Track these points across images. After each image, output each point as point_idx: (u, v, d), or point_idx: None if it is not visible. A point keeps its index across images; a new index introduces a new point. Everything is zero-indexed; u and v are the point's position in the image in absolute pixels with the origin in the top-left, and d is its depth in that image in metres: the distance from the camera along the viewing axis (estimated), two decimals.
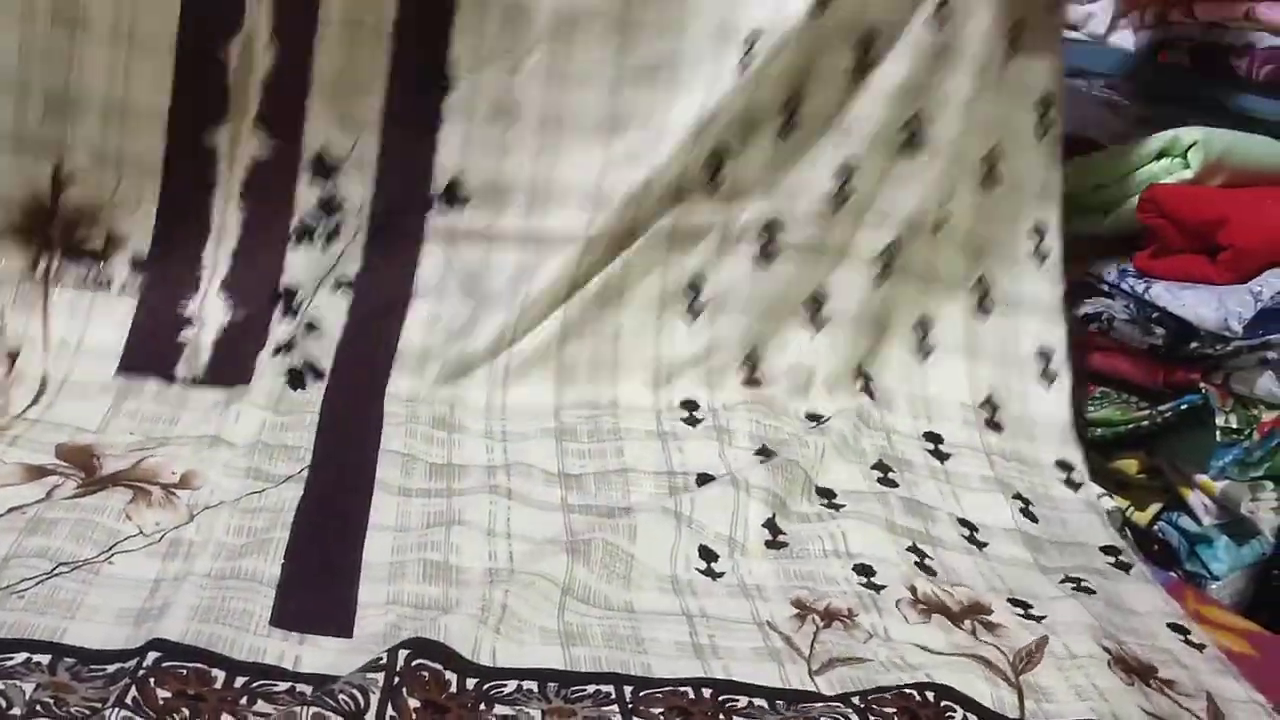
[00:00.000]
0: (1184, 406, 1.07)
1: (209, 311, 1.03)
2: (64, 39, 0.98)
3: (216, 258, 1.04)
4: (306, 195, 1.04)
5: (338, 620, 0.77)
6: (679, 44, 1.04)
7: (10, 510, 0.83)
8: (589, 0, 1.02)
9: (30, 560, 0.79)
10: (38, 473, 0.87)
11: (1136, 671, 0.82)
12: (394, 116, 1.04)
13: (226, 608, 0.76)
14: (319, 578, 0.81)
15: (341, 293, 1.05)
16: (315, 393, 1.01)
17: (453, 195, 1.06)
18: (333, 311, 1.04)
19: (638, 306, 1.08)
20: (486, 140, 1.04)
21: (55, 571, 0.78)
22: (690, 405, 1.07)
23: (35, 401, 0.95)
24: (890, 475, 1.02)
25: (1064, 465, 1.08)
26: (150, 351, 1.01)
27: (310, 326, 1.04)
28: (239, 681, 0.70)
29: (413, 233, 1.05)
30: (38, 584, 0.77)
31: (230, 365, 1.01)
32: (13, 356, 0.98)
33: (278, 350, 1.02)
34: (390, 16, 1.02)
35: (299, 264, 1.04)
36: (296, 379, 1.01)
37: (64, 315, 1.01)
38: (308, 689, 0.70)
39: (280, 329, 1.03)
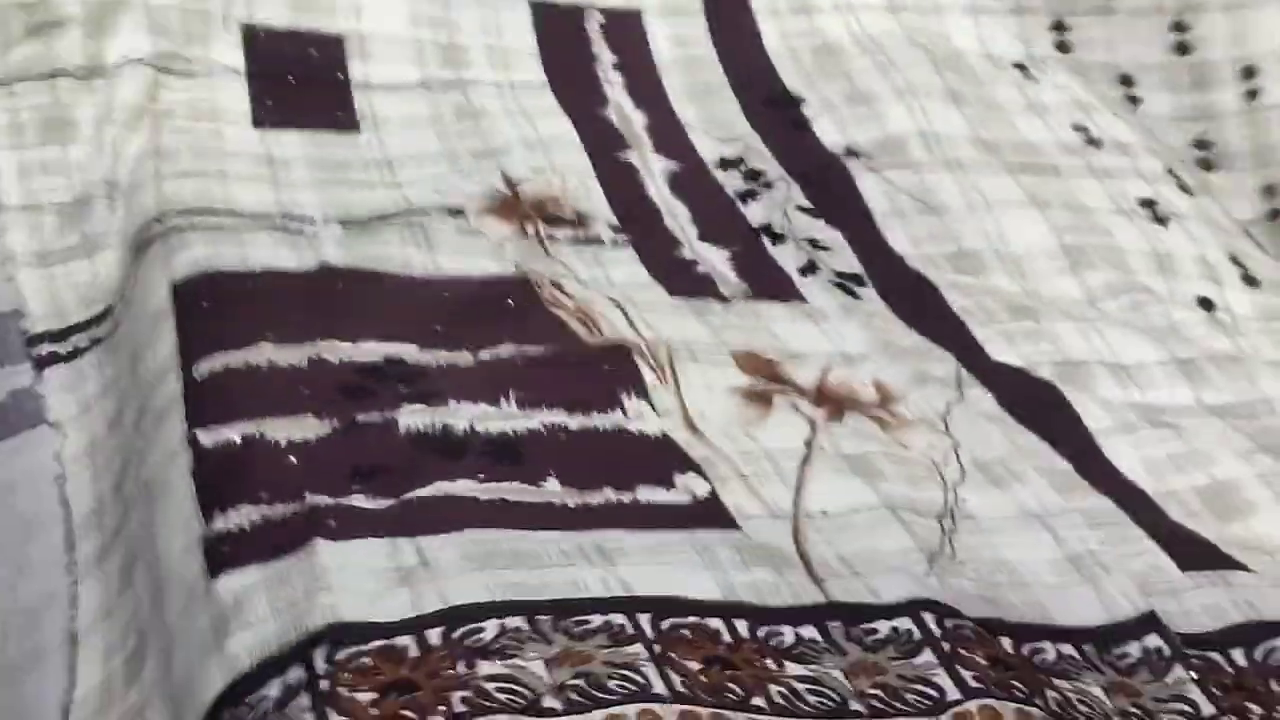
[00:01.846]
0: None
1: (700, 252, 1.14)
2: None
3: (680, 224, 1.17)
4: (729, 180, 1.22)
5: None
6: None
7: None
8: None
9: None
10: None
11: None
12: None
13: None
14: None
15: None
16: (868, 295, 1.13)
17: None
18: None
19: None
20: None
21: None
22: None
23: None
24: None
25: None
26: (686, 284, 1.10)
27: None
28: None
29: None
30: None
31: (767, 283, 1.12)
32: (558, 286, 1.05)
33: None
34: None
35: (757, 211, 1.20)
36: (844, 288, 1.13)
37: (576, 263, 1.09)
38: None
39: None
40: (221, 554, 0.74)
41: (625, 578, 0.74)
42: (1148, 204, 1.27)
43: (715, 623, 0.73)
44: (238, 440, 0.82)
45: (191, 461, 0.81)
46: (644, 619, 0.71)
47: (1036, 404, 1.01)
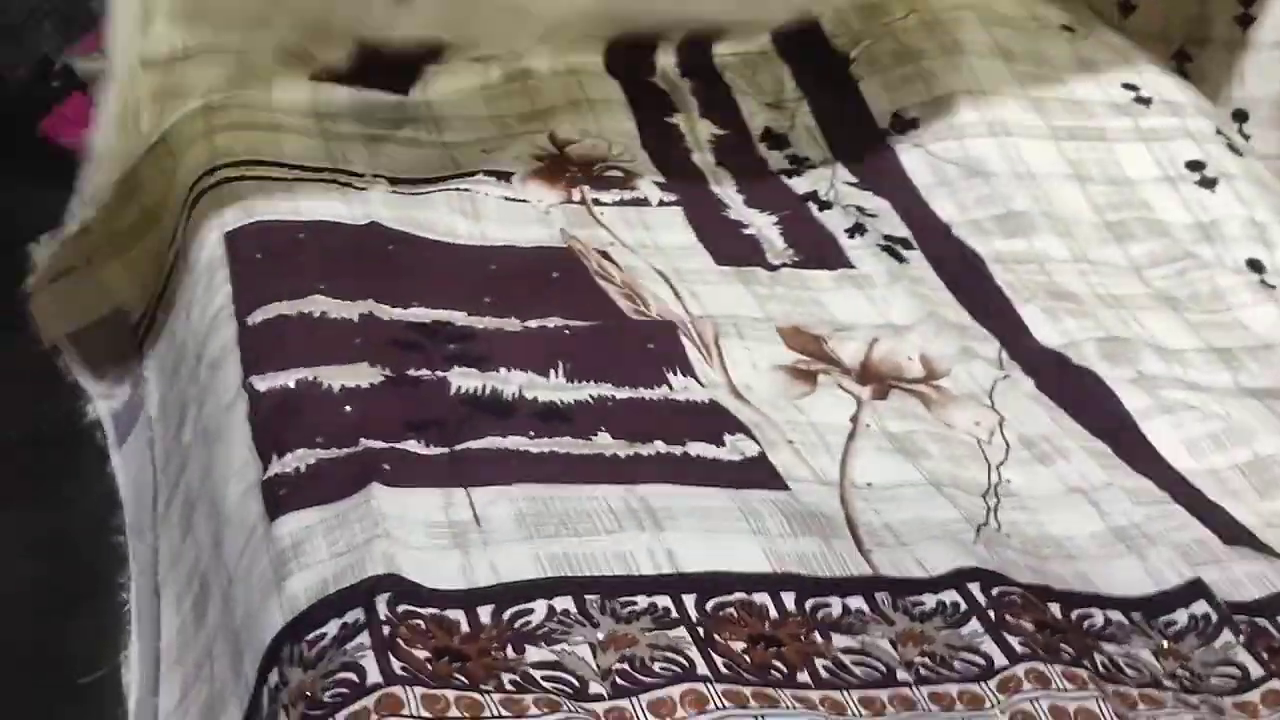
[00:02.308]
0: None
1: (747, 216, 1.15)
2: None
3: (724, 189, 1.19)
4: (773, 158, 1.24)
5: None
6: None
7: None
8: None
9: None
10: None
11: None
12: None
13: None
14: None
15: None
16: (916, 259, 1.13)
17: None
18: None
19: None
20: None
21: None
22: None
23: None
24: None
25: None
26: (730, 247, 1.10)
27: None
28: None
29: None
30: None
31: (814, 249, 1.12)
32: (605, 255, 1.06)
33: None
34: None
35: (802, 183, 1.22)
36: (891, 252, 1.13)
37: (623, 228, 1.10)
38: None
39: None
40: (279, 497, 0.75)
41: (673, 547, 0.74)
42: (1196, 166, 1.26)
43: (762, 597, 0.73)
44: (293, 385, 0.83)
45: (248, 407, 0.82)
46: (689, 600, 0.72)
47: (1077, 387, 1.01)
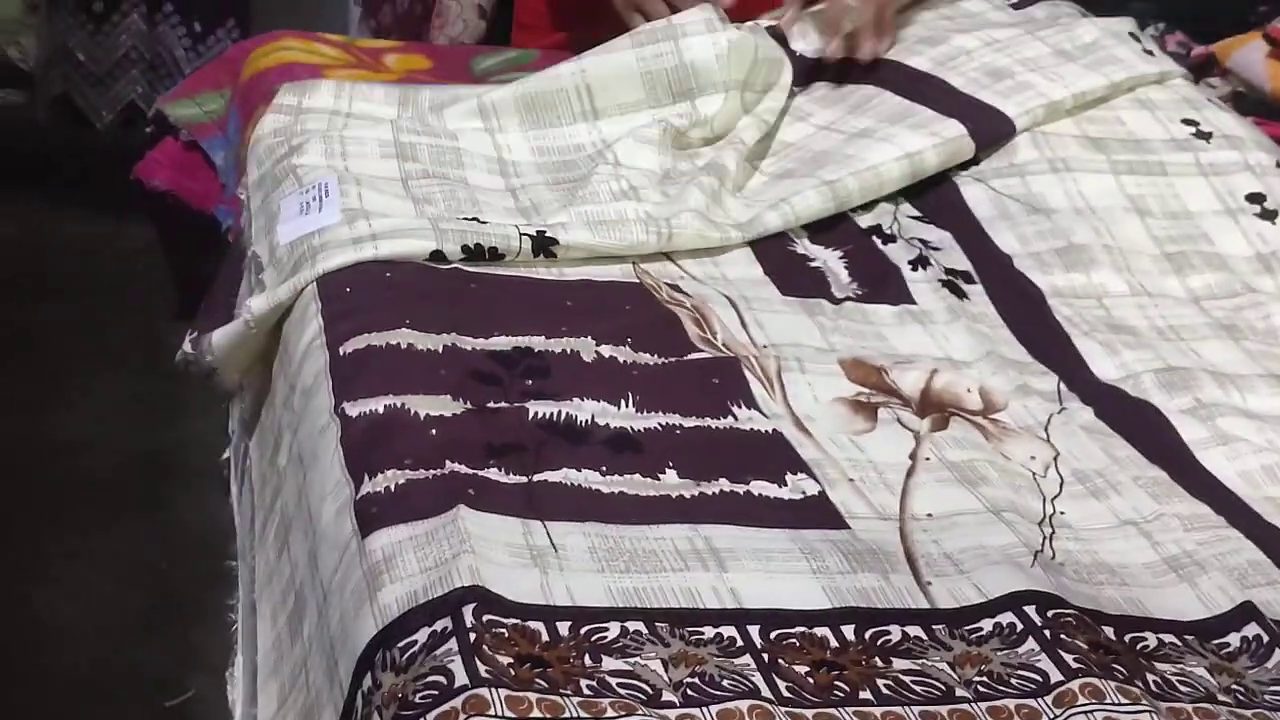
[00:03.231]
0: None
1: (813, 251, 1.21)
2: None
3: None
4: None
5: None
6: None
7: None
8: None
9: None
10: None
11: None
12: None
13: None
14: None
15: None
16: (976, 294, 1.18)
17: None
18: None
19: None
20: None
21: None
22: None
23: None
24: None
25: None
26: (797, 280, 1.16)
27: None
28: None
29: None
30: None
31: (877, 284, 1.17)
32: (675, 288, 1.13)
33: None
34: None
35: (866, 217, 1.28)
36: (952, 288, 1.18)
37: (690, 262, 1.17)
38: None
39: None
40: (371, 515, 0.80)
41: (735, 586, 0.78)
42: (1257, 199, 1.28)
43: (823, 630, 0.76)
44: (381, 411, 0.88)
45: (340, 431, 0.87)
46: (753, 630, 0.75)
47: (1135, 419, 1.04)
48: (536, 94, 1.33)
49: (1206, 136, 1.34)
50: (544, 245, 1.11)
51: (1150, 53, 1.44)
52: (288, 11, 2.38)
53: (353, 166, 1.22)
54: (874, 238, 1.24)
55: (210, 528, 1.36)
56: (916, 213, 1.27)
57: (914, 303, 1.15)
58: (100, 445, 2.08)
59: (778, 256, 1.19)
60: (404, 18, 2.53)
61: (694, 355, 1.02)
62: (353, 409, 0.88)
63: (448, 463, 0.83)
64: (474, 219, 1.15)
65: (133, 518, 1.96)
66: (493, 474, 0.84)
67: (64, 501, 1.94)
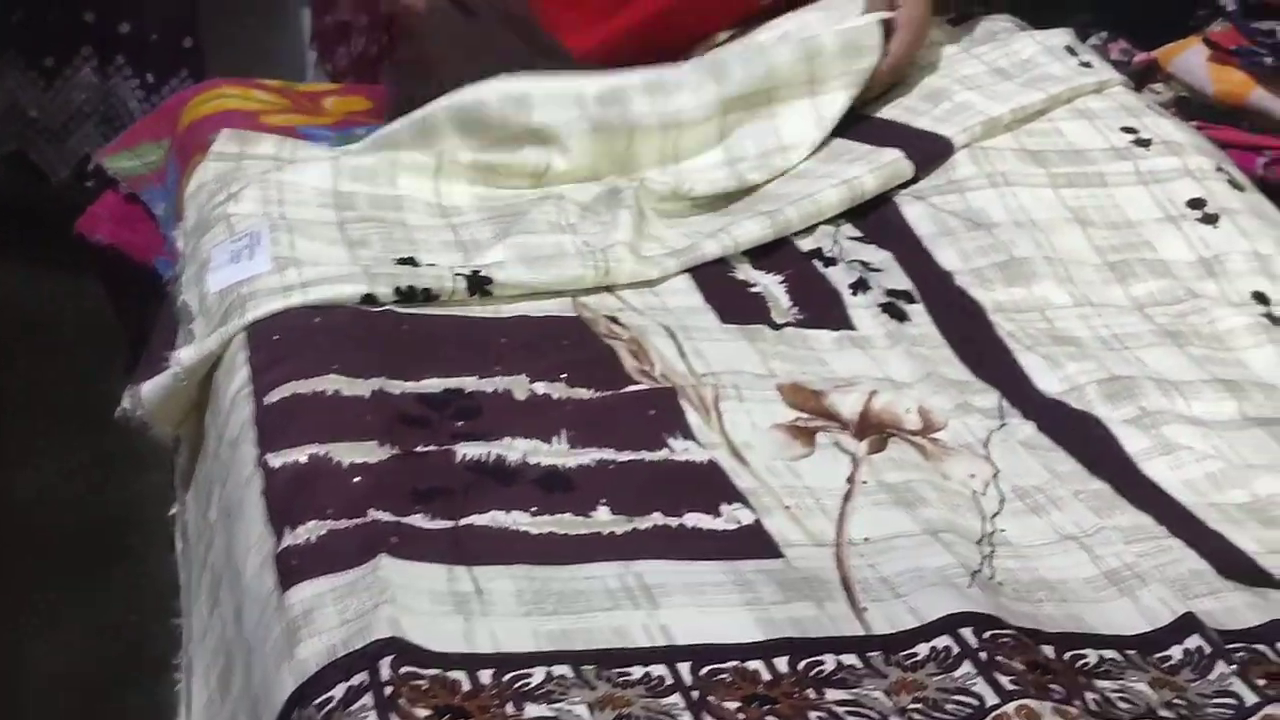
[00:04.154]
0: None
1: (753, 276, 1.20)
2: None
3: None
4: None
5: None
6: None
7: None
8: None
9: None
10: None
11: None
12: None
13: None
14: None
15: None
16: (917, 314, 1.17)
17: None
18: None
19: None
20: None
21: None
22: None
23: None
24: None
25: None
26: (737, 306, 1.15)
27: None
28: None
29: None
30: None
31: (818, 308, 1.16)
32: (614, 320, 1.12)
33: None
34: None
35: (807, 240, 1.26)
36: (892, 311, 1.17)
37: (629, 292, 1.15)
38: None
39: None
40: (291, 567, 0.79)
41: (667, 623, 0.77)
42: (1197, 204, 1.28)
43: (755, 664, 0.75)
44: (304, 460, 0.86)
45: (263, 483, 0.86)
46: (684, 667, 0.74)
47: (1077, 431, 1.03)
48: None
49: (1146, 144, 1.34)
50: (479, 285, 1.10)
51: (1088, 64, 1.44)
52: (242, 60, 2.38)
53: (288, 213, 1.21)
54: (815, 261, 1.23)
55: (174, 579, 1.35)
56: (858, 233, 1.27)
57: (854, 328, 1.14)
58: (64, 501, 2.06)
59: (718, 283, 1.18)
60: (359, 60, 2.52)
61: (630, 388, 1.01)
62: (276, 460, 0.87)
63: (370, 511, 0.82)
64: (409, 259, 1.14)
65: (100, 572, 1.95)
66: (417, 520, 0.82)
67: (30, 559, 1.93)
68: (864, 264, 1.22)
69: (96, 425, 2.12)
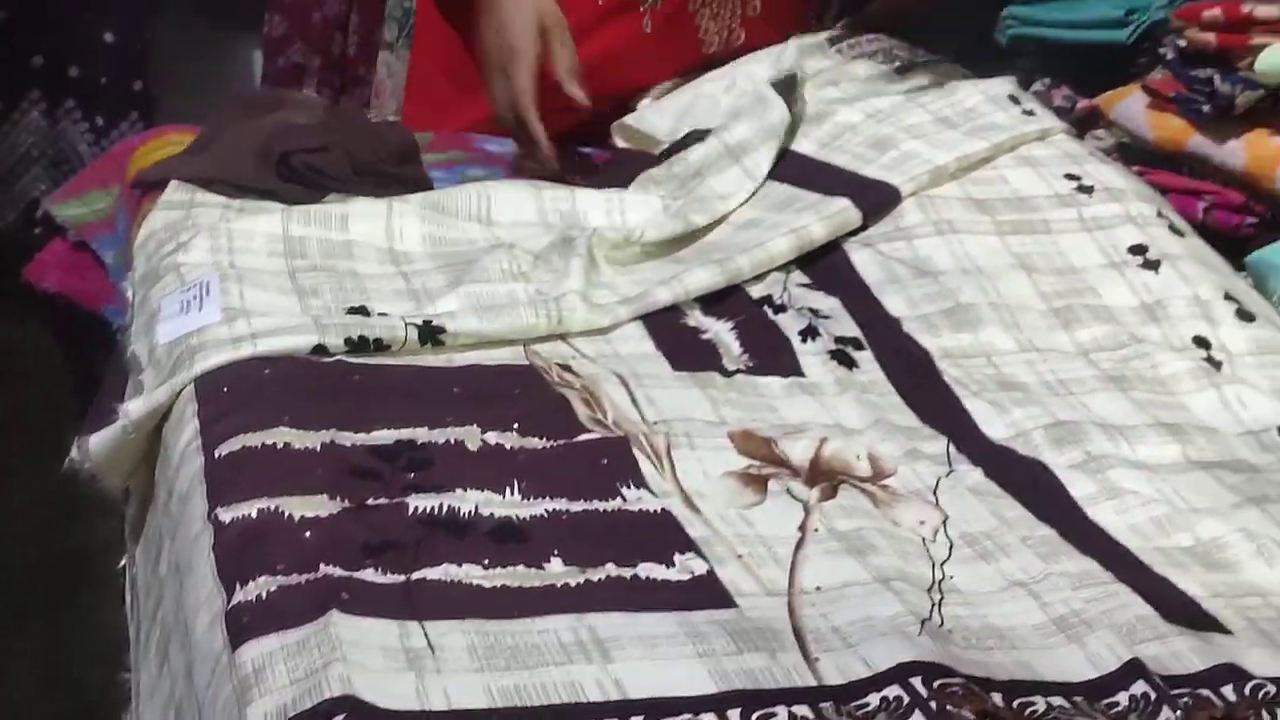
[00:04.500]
0: None
1: (704, 322, 1.22)
2: None
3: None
4: None
5: None
6: None
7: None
8: None
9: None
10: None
11: None
12: None
13: None
14: None
15: None
16: (865, 360, 1.19)
17: None
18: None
19: None
20: None
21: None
22: None
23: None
24: None
25: None
26: (688, 353, 1.16)
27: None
28: None
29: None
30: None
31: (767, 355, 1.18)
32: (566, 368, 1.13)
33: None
34: None
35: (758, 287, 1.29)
36: (841, 358, 1.18)
37: (582, 340, 1.16)
38: None
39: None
40: (241, 625, 0.78)
41: (620, 677, 0.77)
42: (1139, 250, 1.31)
43: (708, 716, 0.75)
44: (254, 515, 0.86)
45: (212, 538, 0.85)
46: None
47: (1024, 477, 1.04)
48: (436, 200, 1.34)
49: (1089, 190, 1.37)
50: (431, 334, 1.10)
51: (1031, 112, 1.47)
52: (192, 102, 2.37)
53: (239, 261, 1.20)
54: (765, 308, 1.24)
55: (122, 633, 1.34)
56: (807, 280, 1.28)
57: (803, 375, 1.15)
58: (11, 547, 2.04)
59: (669, 330, 1.19)
60: None
61: (583, 436, 1.01)
62: (226, 514, 0.87)
63: (322, 566, 0.82)
64: (361, 308, 1.14)
65: (50, 619, 1.93)
66: (369, 575, 0.82)
67: None
68: (813, 311, 1.24)
69: (44, 472, 2.12)
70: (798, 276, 1.29)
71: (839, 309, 1.24)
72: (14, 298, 1.70)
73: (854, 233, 1.33)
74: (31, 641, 1.86)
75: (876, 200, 1.34)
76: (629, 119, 1.62)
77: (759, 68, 1.53)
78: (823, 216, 1.31)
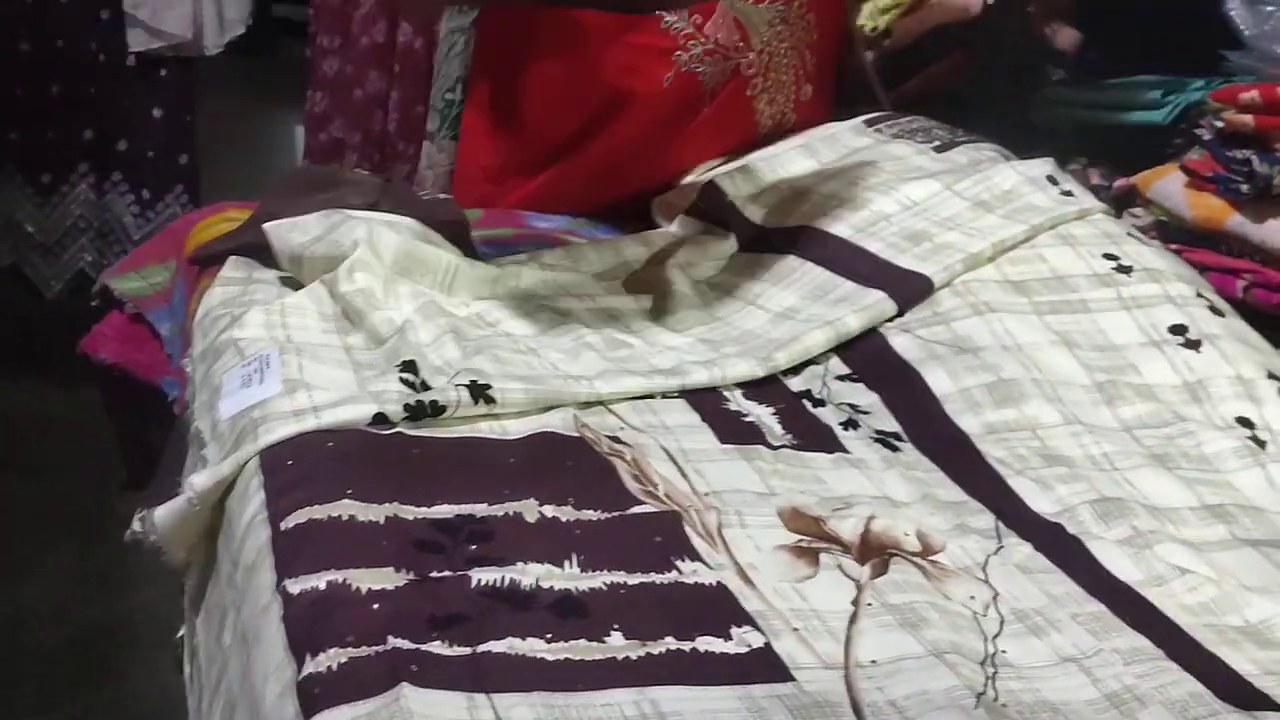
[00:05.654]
0: None
1: (746, 406, 1.24)
2: None
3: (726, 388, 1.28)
4: None
5: None
6: None
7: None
8: None
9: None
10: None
11: None
12: None
13: None
14: None
15: None
16: (907, 449, 1.21)
17: None
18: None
19: None
20: None
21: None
22: None
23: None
24: None
25: None
26: (733, 430, 1.18)
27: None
28: None
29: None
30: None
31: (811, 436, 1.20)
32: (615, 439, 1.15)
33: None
34: None
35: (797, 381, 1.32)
36: (884, 443, 1.20)
37: (630, 413, 1.19)
38: None
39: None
40: (313, 695, 0.80)
41: None
42: (1179, 330, 1.31)
43: None
44: (324, 587, 0.88)
45: (282, 609, 0.87)
46: None
47: (1073, 553, 1.05)
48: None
49: (1127, 270, 1.38)
50: (480, 392, 1.13)
51: (1069, 193, 1.48)
52: (237, 176, 2.42)
53: (294, 335, 1.23)
54: (804, 401, 1.26)
55: (163, 700, 1.35)
56: (846, 370, 1.30)
57: (849, 452, 1.17)
58: (51, 617, 2.05)
59: (712, 410, 1.21)
60: None
61: (636, 509, 1.03)
62: (294, 586, 0.89)
63: (390, 638, 0.83)
64: (411, 363, 1.17)
65: (84, 692, 1.93)
66: (436, 647, 0.84)
67: (14, 675, 1.91)
68: (852, 406, 1.25)
69: (86, 540, 2.14)
70: (836, 367, 1.31)
71: (878, 405, 1.26)
72: (61, 368, 1.73)
73: (890, 319, 1.35)
74: (70, 713, 1.87)
75: (910, 292, 1.36)
76: (671, 194, 1.66)
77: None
78: (858, 309, 1.34)
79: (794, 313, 1.37)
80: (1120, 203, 1.63)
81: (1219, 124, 1.49)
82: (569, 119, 1.68)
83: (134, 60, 2.56)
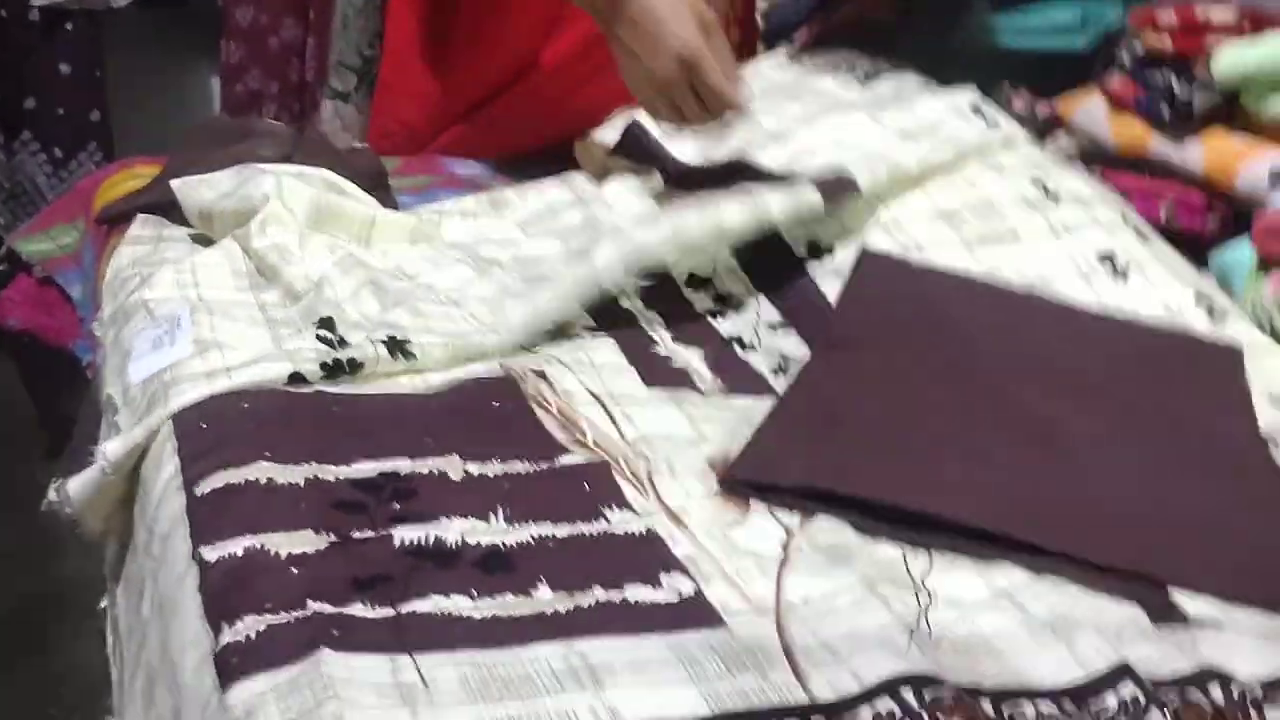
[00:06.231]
0: None
1: (674, 350, 1.22)
2: None
3: (653, 330, 1.26)
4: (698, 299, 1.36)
5: None
6: None
7: None
8: None
9: None
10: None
11: None
12: None
13: None
14: None
15: None
16: None
17: None
18: None
19: None
20: None
21: None
22: None
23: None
24: None
25: None
26: (660, 373, 1.17)
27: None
28: None
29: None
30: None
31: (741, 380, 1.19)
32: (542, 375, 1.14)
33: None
34: None
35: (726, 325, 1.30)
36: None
37: (557, 350, 1.17)
38: None
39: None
40: (230, 665, 0.77)
41: (613, 704, 0.77)
42: (1107, 258, 1.32)
43: None
44: (240, 553, 0.85)
45: (198, 577, 0.85)
46: None
47: None
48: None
49: (1054, 197, 1.38)
50: (400, 346, 1.10)
51: (995, 122, 1.47)
52: (150, 130, 2.36)
53: (206, 295, 1.20)
54: (735, 345, 1.25)
55: (103, 673, 1.32)
56: (777, 316, 1.28)
57: (779, 395, 1.15)
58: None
59: (640, 352, 1.19)
60: None
61: (564, 459, 1.01)
62: (211, 553, 0.86)
63: (310, 602, 0.81)
64: (328, 319, 1.14)
65: (22, 663, 1.90)
66: (358, 610, 0.82)
67: None
68: (783, 355, 1.24)
69: (15, 510, 2.09)
70: (768, 313, 1.29)
71: (808, 356, 1.24)
72: None
73: (819, 256, 1.33)
74: (6, 683, 1.84)
75: (836, 186, 1.32)
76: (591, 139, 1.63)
77: None
78: (779, 193, 1.29)
79: (709, 196, 1.31)
80: (1044, 129, 1.61)
81: (1138, 47, 1.48)
82: (493, 69, 1.64)
83: (37, 15, 2.48)
